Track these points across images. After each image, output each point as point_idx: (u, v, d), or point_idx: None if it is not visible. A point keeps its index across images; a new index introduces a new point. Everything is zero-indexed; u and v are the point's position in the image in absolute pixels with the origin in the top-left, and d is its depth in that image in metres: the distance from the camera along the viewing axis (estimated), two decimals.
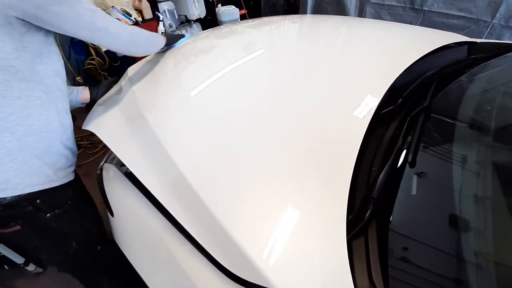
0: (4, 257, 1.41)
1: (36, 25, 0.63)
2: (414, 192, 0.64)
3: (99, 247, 0.92)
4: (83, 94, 0.97)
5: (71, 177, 0.82)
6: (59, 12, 0.63)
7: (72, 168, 0.83)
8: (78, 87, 0.98)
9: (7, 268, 1.51)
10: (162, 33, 1.13)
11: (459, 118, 0.82)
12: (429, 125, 0.80)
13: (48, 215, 0.75)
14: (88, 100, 0.99)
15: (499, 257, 0.54)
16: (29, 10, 0.59)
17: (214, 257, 0.58)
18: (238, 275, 0.54)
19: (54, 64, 0.74)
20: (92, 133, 0.88)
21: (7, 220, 0.72)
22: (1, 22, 0.58)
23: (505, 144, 0.73)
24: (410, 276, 0.55)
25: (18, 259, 1.44)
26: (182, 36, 1.26)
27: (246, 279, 0.53)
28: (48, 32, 0.69)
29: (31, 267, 1.49)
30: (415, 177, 0.66)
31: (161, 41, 1.06)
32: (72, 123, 0.83)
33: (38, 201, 0.72)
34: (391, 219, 0.60)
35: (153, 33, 1.04)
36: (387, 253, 0.56)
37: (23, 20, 0.60)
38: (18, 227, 0.73)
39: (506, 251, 0.54)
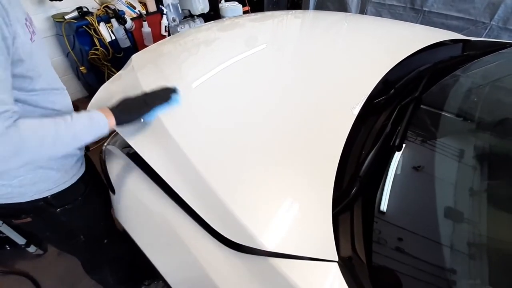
0: (6, 237, 1.46)
1: None
2: (398, 172, 0.68)
3: (105, 241, 0.94)
4: (110, 122, 0.66)
5: (82, 170, 0.78)
6: None
7: (81, 160, 0.80)
8: (92, 113, 0.65)
9: (8, 248, 1.55)
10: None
11: (446, 108, 0.86)
12: (417, 114, 0.84)
13: (58, 210, 0.74)
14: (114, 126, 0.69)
15: (472, 228, 0.58)
16: None
17: (214, 227, 0.62)
18: (235, 241, 0.58)
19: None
20: None
21: (18, 213, 0.71)
22: None
23: (485, 133, 0.77)
24: (389, 247, 0.59)
25: (20, 240, 1.48)
26: (163, 97, 0.76)
27: (242, 243, 0.57)
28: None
29: (32, 249, 1.54)
30: (400, 160, 0.70)
31: (94, 129, 0.64)
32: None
33: (49, 197, 0.71)
34: (375, 197, 0.64)
35: (77, 123, 0.61)
36: (370, 227, 0.60)
37: None
38: (29, 219, 0.73)
39: (479, 226, 0.58)
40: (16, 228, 1.46)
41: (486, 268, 0.52)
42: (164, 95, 0.77)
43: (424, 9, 2.51)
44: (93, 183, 0.86)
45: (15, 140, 0.49)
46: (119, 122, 0.68)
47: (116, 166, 0.93)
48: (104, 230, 0.93)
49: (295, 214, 0.59)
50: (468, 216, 0.59)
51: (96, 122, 0.64)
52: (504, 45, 1.32)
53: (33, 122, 0.53)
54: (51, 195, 0.70)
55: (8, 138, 0.48)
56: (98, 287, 1.23)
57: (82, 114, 0.63)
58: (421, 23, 2.55)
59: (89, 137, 0.63)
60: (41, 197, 0.68)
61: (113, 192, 0.91)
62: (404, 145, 0.72)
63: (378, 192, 0.65)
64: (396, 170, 0.68)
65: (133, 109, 0.72)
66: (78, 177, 0.76)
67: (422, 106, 0.86)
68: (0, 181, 0.63)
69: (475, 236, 0.57)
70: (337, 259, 0.51)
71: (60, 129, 0.56)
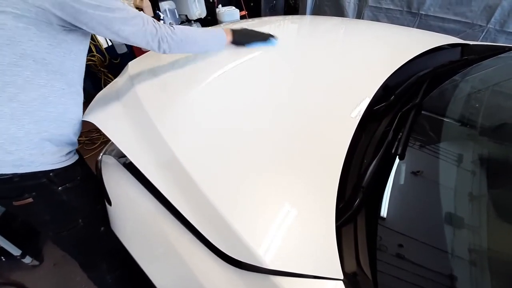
0: (1, 248, 1.43)
1: (75, 25, 0.70)
2: (403, 181, 0.66)
3: (102, 228, 0.95)
4: (227, 36, 1.06)
5: (76, 157, 0.87)
6: (94, 16, 0.69)
7: (74, 150, 0.89)
8: (217, 29, 1.04)
9: (3, 259, 1.52)
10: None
11: (448, 114, 0.85)
12: (419, 121, 0.82)
13: (60, 188, 0.80)
14: (229, 43, 1.08)
15: (485, 238, 0.56)
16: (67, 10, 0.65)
17: (213, 243, 0.60)
18: (235, 257, 0.56)
19: (80, 61, 0.82)
20: (91, 129, 0.90)
21: (21, 192, 0.75)
22: (42, 19, 0.64)
23: (486, 138, 0.76)
24: (396, 261, 0.57)
25: (15, 251, 1.45)
26: (264, 37, 1.15)
27: (242, 260, 0.55)
28: (85, 32, 0.75)
29: (27, 260, 1.51)
30: (403, 169, 0.69)
31: (218, 40, 1.04)
32: (81, 115, 0.89)
33: (51, 174, 0.77)
34: (379, 207, 0.62)
35: (209, 32, 1.01)
36: (374, 240, 0.58)
37: (62, 19, 0.66)
38: (30, 200, 0.76)
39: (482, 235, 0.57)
40: (11, 238, 1.43)
41: (505, 280, 0.50)
42: (265, 36, 1.14)
43: (421, 12, 2.52)
44: (87, 169, 0.95)
45: (182, 33, 0.88)
46: (234, 41, 1.08)
47: (112, 176, 0.91)
48: (100, 215, 0.95)
49: (297, 227, 0.57)
50: (478, 225, 0.57)
51: (219, 35, 1.03)
52: (503, 49, 1.32)
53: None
54: (53, 172, 0.77)
55: (178, 30, 0.87)
56: None
57: (210, 28, 1.01)
58: (418, 26, 2.55)
59: (214, 45, 1.04)
60: (46, 169, 0.75)
61: (109, 203, 0.89)
62: (407, 153, 0.71)
63: (383, 202, 0.63)
64: (400, 179, 0.66)
65: (247, 36, 1.11)
66: (74, 160, 0.86)
67: (423, 112, 0.85)
68: (15, 146, 0.69)
69: (487, 245, 0.55)
70: (342, 277, 0.49)
71: (199, 33, 0.95)
